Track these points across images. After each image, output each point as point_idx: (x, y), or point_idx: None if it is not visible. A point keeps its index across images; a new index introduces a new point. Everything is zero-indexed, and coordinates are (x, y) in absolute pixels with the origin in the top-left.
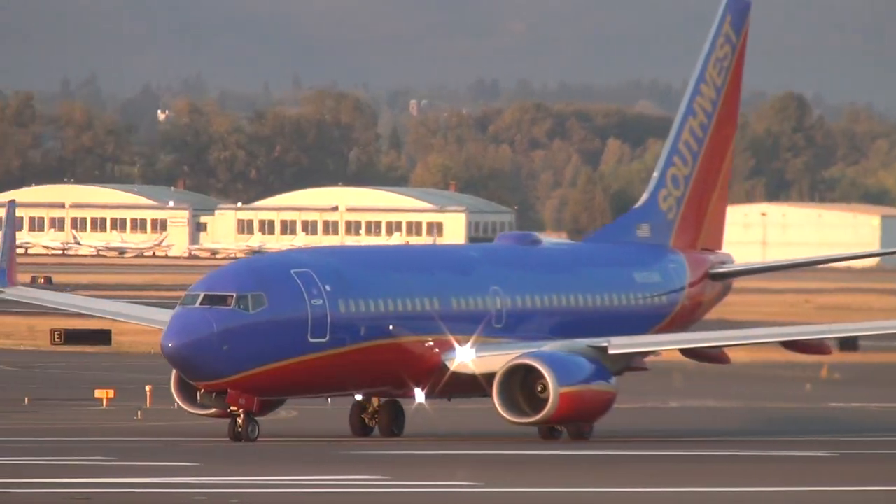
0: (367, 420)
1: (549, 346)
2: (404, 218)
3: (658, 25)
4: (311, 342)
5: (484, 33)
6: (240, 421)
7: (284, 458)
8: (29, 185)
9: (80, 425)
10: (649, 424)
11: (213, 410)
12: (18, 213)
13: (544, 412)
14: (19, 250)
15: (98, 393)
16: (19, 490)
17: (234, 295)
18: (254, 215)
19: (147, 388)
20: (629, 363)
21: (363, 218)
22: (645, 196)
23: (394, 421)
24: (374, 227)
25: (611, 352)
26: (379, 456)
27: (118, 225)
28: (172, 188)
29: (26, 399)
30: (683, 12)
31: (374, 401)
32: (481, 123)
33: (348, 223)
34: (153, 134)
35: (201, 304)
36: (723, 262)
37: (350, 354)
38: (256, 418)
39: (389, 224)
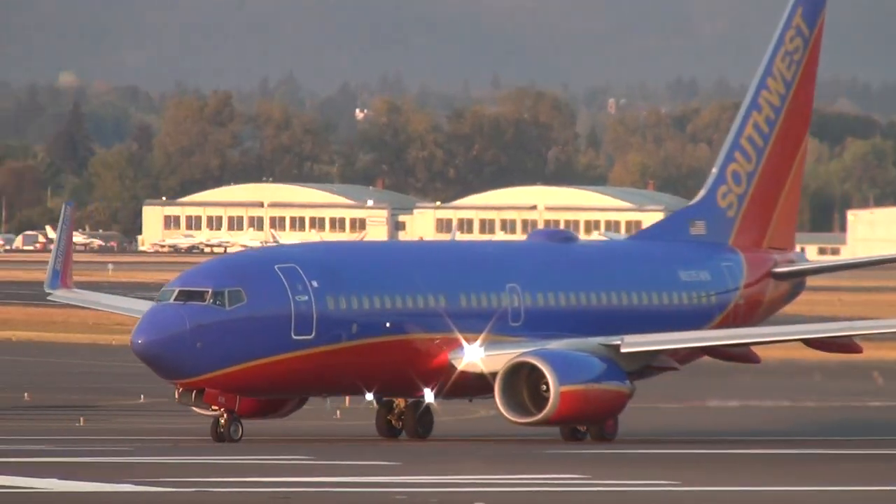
0: (393, 421)
1: (557, 344)
2: (603, 217)
3: (856, 23)
4: (295, 339)
5: (682, 32)
6: (222, 421)
7: (482, 456)
8: (227, 184)
9: (279, 425)
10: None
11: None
12: (217, 212)
13: (545, 411)
14: (219, 250)
15: None
16: (219, 489)
17: (210, 290)
18: (452, 214)
19: None
20: (650, 362)
21: (562, 217)
22: (702, 192)
23: (419, 422)
24: (572, 226)
25: (623, 350)
26: (576, 455)
27: (317, 224)
28: (371, 187)
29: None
30: (884, 9)
31: (400, 402)
32: (679, 122)
33: (547, 222)
34: (351, 133)
35: (176, 299)
36: (791, 262)
37: (342, 352)
38: (271, 417)
39: (588, 223)
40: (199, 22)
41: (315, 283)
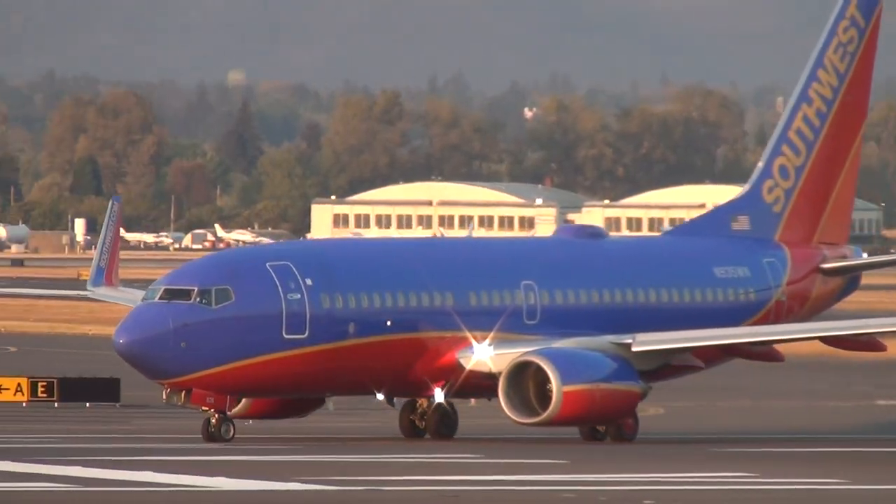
0: (416, 421)
1: (565, 343)
2: None
3: None
4: (287, 339)
5: None
6: (213, 420)
7: (652, 455)
8: (396, 182)
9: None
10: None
11: (236, 409)
12: (386, 210)
13: (548, 412)
14: None
15: None
16: (389, 488)
17: (196, 289)
18: (621, 213)
19: None
20: (669, 361)
21: None
22: (746, 187)
23: (442, 422)
24: None
25: (634, 349)
26: (743, 454)
27: (485, 222)
28: (540, 186)
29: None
30: None
31: (423, 402)
32: None
33: None
34: (520, 132)
35: (161, 298)
36: (843, 257)
37: (338, 352)
38: (286, 417)
39: None
40: (368, 21)
41: (309, 281)
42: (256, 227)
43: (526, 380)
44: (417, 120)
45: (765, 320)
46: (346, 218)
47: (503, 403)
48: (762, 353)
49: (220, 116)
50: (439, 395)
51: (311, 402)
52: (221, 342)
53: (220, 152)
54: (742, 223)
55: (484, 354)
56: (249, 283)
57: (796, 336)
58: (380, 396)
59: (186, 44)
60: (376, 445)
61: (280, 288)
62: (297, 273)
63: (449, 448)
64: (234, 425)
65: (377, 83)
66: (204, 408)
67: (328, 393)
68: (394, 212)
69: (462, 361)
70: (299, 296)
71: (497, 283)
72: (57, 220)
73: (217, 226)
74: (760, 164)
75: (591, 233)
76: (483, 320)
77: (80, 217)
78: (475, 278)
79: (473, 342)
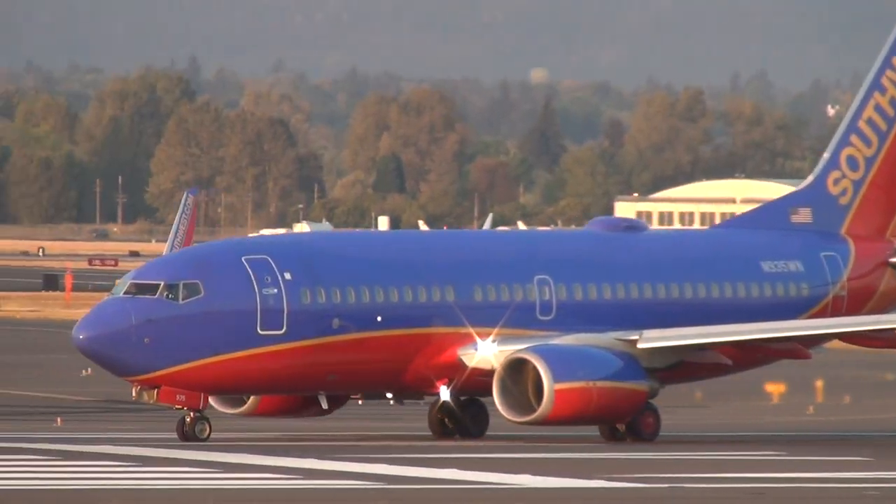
0: (445, 420)
1: (566, 339)
2: None
3: None
4: (262, 335)
5: None
6: (188, 419)
7: None
8: (699, 180)
9: (750, 420)
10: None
11: (243, 408)
12: (688, 207)
13: (539, 411)
14: None
15: (769, 387)
16: (694, 485)
17: (163, 283)
18: None
19: (817, 383)
20: (682, 358)
21: None
22: (810, 178)
23: (473, 420)
24: None
25: (640, 345)
26: None
27: None
28: None
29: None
30: None
31: (454, 400)
32: None
33: None
34: (822, 129)
35: (126, 293)
36: None
37: (321, 349)
38: (303, 416)
39: None
40: (670, 19)
41: (288, 276)
42: (559, 224)
43: (524, 377)
44: (720, 117)
45: (820, 317)
46: (649, 215)
47: (497, 401)
48: (785, 350)
49: (523, 114)
50: (445, 394)
51: (331, 398)
52: (188, 338)
53: (523, 150)
54: (803, 216)
55: (487, 351)
56: (221, 278)
57: (811, 332)
58: (389, 395)
59: (489, 41)
60: (671, 444)
61: (255, 282)
62: (274, 267)
63: (754, 446)
64: (209, 424)
65: (680, 81)
66: (177, 406)
67: (312, 391)
68: (697, 209)
69: (464, 359)
70: (276, 290)
71: (505, 277)
72: (360, 218)
73: (520, 223)
74: (826, 155)
75: (626, 225)
76: (488, 316)
77: (383, 215)
78: (479, 272)
79: (477, 339)
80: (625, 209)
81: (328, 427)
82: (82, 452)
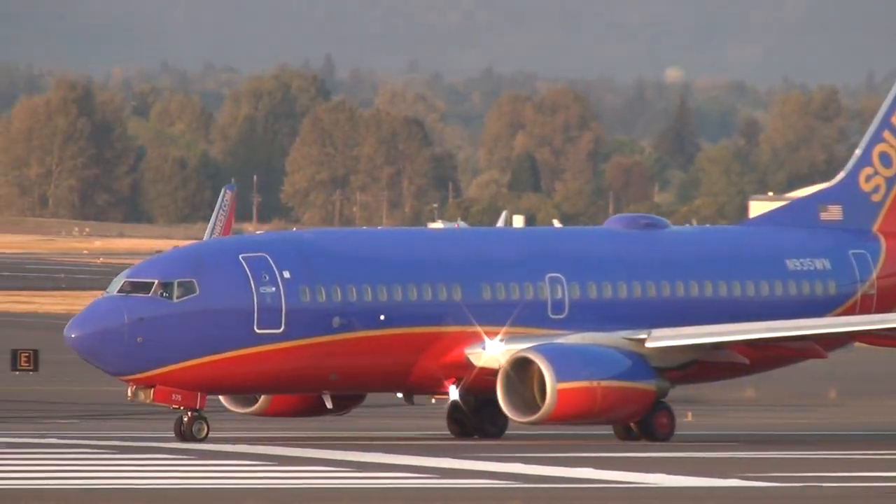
0: (462, 419)
1: (571, 338)
2: None
3: None
4: (259, 333)
5: None
6: (185, 419)
7: None
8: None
9: (876, 420)
10: None
11: (254, 408)
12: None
13: (542, 410)
14: None
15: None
16: (830, 484)
17: (157, 281)
18: None
19: None
20: (695, 358)
21: None
22: (841, 175)
23: (491, 421)
24: None
25: (649, 344)
26: None
27: None
28: None
29: (832, 393)
30: None
31: (470, 399)
32: None
33: None
34: None
35: (120, 291)
36: None
37: (321, 348)
38: (318, 415)
39: None
40: (805, 18)
41: (287, 274)
42: (694, 222)
43: (530, 376)
44: (855, 117)
45: (848, 315)
46: None
47: (501, 400)
48: (801, 350)
49: (658, 113)
50: (454, 393)
51: (347, 398)
52: (183, 337)
53: (658, 149)
54: (833, 213)
55: (495, 350)
56: (217, 276)
57: (822, 331)
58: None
59: (623, 41)
60: (803, 444)
61: (252, 280)
62: (273, 265)
63: (881, 445)
64: (207, 423)
65: (814, 80)
66: (174, 406)
67: (314, 391)
68: None
69: (471, 358)
70: (274, 288)
71: (515, 276)
72: (495, 217)
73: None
74: (858, 152)
75: (647, 223)
76: (496, 314)
77: (518, 214)
78: (487, 270)
79: (485, 338)
80: (759, 208)
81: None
82: (220, 452)
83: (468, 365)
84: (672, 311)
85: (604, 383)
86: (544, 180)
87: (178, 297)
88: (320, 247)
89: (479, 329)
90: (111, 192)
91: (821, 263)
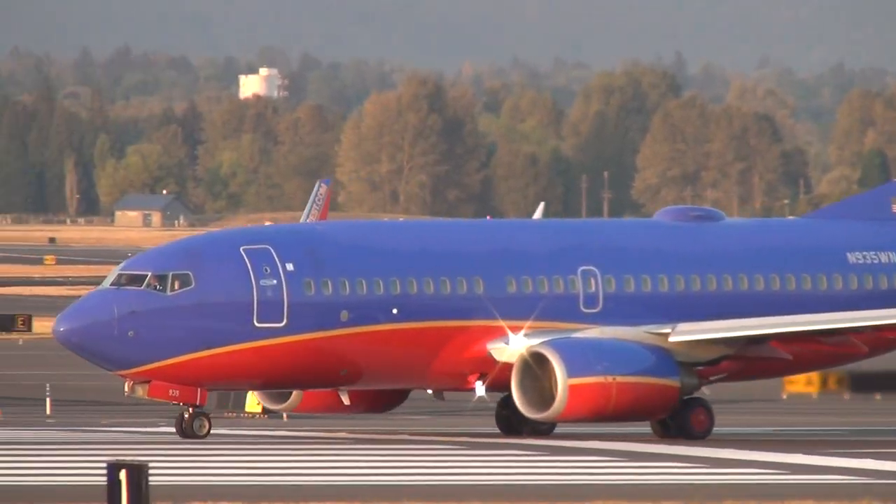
0: (511, 417)
1: (588, 332)
2: None
3: None
4: (259, 327)
5: None
6: (186, 415)
7: None
8: None
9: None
10: None
11: (286, 404)
12: None
13: (552, 407)
14: None
15: None
16: None
17: (150, 274)
18: None
19: None
20: (728, 353)
21: None
22: None
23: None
24: None
25: (672, 339)
26: None
27: None
28: None
29: None
30: None
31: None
32: None
33: None
34: None
35: (113, 284)
36: None
37: (327, 342)
38: (355, 412)
39: None
40: None
41: (290, 266)
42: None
43: (546, 372)
44: None
45: None
46: None
47: (515, 396)
48: (837, 345)
49: None
50: (480, 389)
51: (387, 394)
52: (176, 331)
53: None
54: None
55: (518, 345)
56: (214, 268)
57: (861, 323)
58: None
59: None
60: None
61: (252, 273)
62: (276, 257)
63: None
64: (209, 420)
65: None
66: (175, 402)
67: (322, 386)
68: None
69: (494, 353)
70: (275, 281)
71: (542, 269)
72: None
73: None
74: None
75: (698, 215)
76: (521, 308)
77: None
78: (512, 263)
79: (509, 332)
80: None
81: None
82: (568, 448)
83: (491, 360)
84: (719, 305)
85: (620, 379)
86: (894, 177)
87: (172, 290)
88: (330, 239)
89: (502, 323)
90: (462, 188)
91: (886, 257)
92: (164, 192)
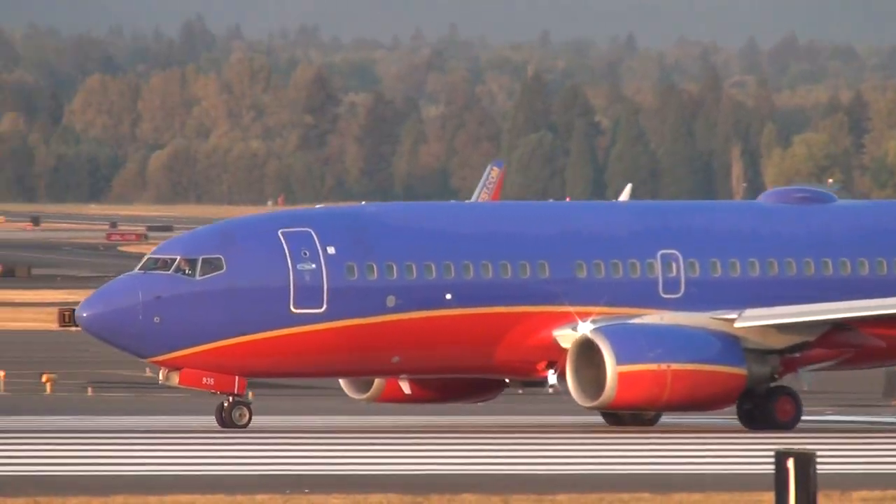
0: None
1: (647, 318)
2: None
3: None
4: (296, 313)
5: None
6: (226, 404)
7: None
8: None
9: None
10: None
11: (369, 394)
12: None
13: (602, 396)
14: None
15: None
16: None
17: (178, 258)
18: None
19: None
20: (808, 339)
21: None
22: None
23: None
24: None
25: (738, 324)
26: None
27: None
28: None
29: None
30: None
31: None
32: None
33: None
34: None
35: (142, 268)
36: None
37: (372, 329)
38: (447, 401)
39: None
40: None
41: (332, 250)
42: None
43: (598, 359)
44: None
45: None
46: None
47: (569, 383)
48: None
49: None
50: (552, 378)
51: (484, 383)
52: (204, 317)
53: None
54: None
55: (586, 332)
56: (248, 252)
57: None
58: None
59: None
60: None
61: (288, 256)
62: (316, 240)
63: None
64: (249, 409)
65: None
66: (211, 391)
67: (371, 375)
68: None
69: (559, 340)
70: (314, 265)
71: (617, 252)
72: None
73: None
74: None
75: (802, 196)
76: (593, 294)
77: None
78: (583, 246)
79: (578, 319)
80: None
81: None
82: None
83: (557, 348)
84: (816, 290)
85: (675, 366)
86: None
87: (201, 275)
88: (379, 221)
89: (570, 309)
90: None
91: None
92: (830, 181)
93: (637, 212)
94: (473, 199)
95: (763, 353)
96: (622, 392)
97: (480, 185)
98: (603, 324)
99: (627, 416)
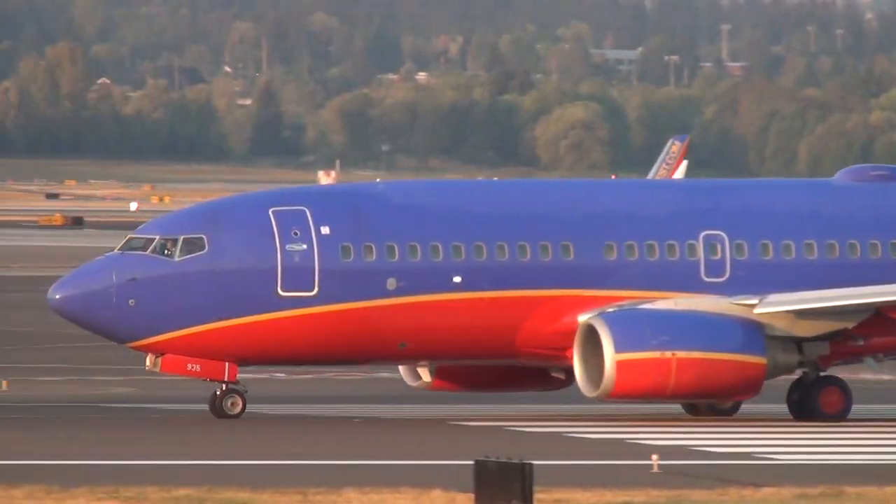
0: None
1: (658, 303)
2: None
3: None
4: (283, 296)
5: None
6: (218, 392)
7: None
8: None
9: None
10: None
11: (419, 382)
12: None
13: (601, 386)
14: None
15: None
16: None
17: (157, 238)
18: None
19: None
20: (845, 326)
21: None
22: None
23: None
24: None
25: (758, 310)
26: None
27: None
28: None
29: None
30: None
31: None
32: None
33: None
34: None
35: (121, 249)
36: None
37: (371, 313)
38: (492, 391)
39: None
40: None
41: (326, 230)
42: None
43: (599, 346)
44: None
45: None
46: None
47: (576, 373)
48: None
49: None
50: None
51: (534, 372)
52: (183, 300)
53: None
54: None
55: (589, 319)
56: (233, 232)
57: None
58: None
59: None
60: None
61: (277, 237)
62: (309, 220)
63: None
64: (242, 398)
65: None
66: (198, 378)
67: (375, 362)
68: None
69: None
70: (304, 246)
71: (653, 233)
72: None
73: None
74: None
75: (880, 174)
76: (624, 277)
77: None
78: (617, 226)
79: (606, 305)
80: None
81: None
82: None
83: None
84: (877, 274)
85: (681, 354)
86: None
87: (180, 255)
88: (381, 200)
89: (598, 293)
90: None
91: None
92: None
93: (681, 190)
94: (653, 172)
95: (792, 341)
96: (621, 381)
97: (660, 160)
98: (611, 310)
99: (703, 407)
